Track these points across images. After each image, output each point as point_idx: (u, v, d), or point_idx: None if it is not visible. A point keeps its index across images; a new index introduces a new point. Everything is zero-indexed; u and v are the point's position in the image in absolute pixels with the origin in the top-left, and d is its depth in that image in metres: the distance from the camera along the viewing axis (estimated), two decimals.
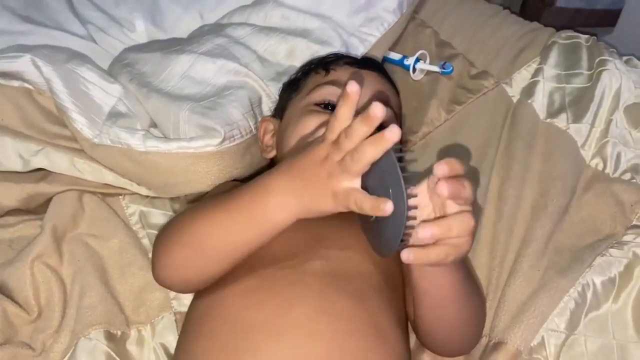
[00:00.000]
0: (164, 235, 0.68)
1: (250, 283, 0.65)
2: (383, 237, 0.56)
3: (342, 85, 0.78)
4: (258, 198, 0.60)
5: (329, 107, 0.80)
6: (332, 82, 0.83)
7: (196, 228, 0.64)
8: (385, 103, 0.82)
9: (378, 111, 0.51)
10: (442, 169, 0.53)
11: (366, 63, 0.90)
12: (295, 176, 0.58)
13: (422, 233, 0.53)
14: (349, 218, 0.75)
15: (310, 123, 0.78)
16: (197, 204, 0.75)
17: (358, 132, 0.52)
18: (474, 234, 0.56)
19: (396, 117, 0.86)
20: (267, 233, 0.61)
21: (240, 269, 0.65)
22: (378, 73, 0.88)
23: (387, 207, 0.50)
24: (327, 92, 0.81)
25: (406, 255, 0.53)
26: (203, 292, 0.68)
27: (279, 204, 0.59)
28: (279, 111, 0.89)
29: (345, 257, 0.69)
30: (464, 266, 0.65)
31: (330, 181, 0.55)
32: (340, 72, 0.85)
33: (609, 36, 1.45)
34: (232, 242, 0.63)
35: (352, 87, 0.53)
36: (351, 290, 0.65)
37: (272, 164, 0.89)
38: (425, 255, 0.54)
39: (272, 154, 0.87)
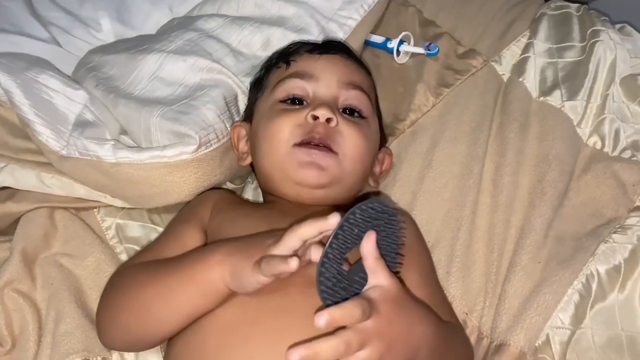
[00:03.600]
0: (109, 298, 0.68)
1: (229, 314, 0.60)
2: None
3: (305, 75, 0.77)
4: (201, 266, 0.61)
5: (296, 101, 0.77)
6: (294, 75, 0.79)
7: (142, 294, 0.63)
8: (356, 87, 0.79)
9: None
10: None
11: (328, 47, 0.85)
12: (235, 253, 0.59)
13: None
14: None
15: (281, 125, 0.74)
16: (139, 259, 0.72)
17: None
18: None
19: (369, 98, 0.81)
20: (211, 301, 0.61)
21: None
22: (342, 55, 0.83)
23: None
24: (291, 86, 0.78)
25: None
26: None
27: (220, 275, 0.59)
28: (248, 114, 0.85)
29: None
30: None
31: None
32: (302, 62, 0.81)
33: (598, 1, 1.39)
34: (178, 309, 0.61)
35: (332, 220, 0.52)
36: None
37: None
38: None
39: (248, 160, 0.83)
